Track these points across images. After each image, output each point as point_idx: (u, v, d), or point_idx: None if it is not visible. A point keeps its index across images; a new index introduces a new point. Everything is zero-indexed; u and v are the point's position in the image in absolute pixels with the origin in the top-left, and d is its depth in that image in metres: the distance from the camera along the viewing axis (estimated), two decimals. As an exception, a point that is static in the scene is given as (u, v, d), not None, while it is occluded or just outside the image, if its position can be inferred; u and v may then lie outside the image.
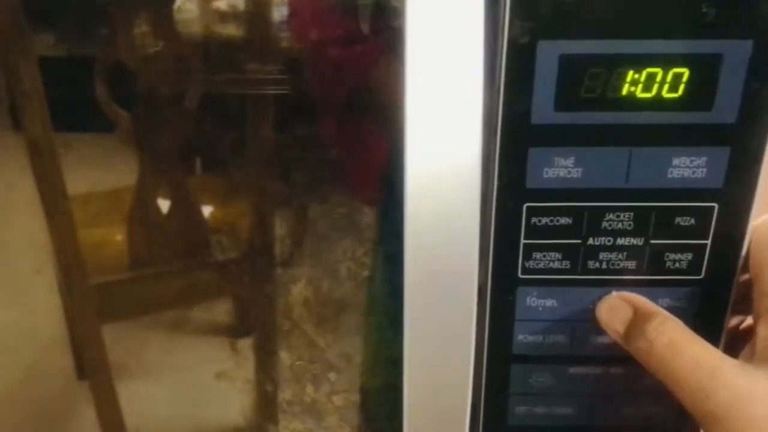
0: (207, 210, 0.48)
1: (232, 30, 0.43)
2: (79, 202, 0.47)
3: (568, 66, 0.36)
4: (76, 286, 0.51)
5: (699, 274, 0.41)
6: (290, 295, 0.47)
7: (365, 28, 0.39)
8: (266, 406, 0.52)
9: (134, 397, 0.53)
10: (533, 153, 0.38)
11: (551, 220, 0.40)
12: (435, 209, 0.38)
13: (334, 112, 0.44)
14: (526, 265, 0.41)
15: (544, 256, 0.40)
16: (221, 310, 0.51)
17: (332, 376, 0.48)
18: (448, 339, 0.40)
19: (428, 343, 0.40)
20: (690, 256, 0.40)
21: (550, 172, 0.38)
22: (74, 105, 0.44)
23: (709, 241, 0.40)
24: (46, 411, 0.56)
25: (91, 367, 0.54)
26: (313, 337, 0.48)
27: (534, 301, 0.42)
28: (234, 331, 0.52)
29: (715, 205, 0.39)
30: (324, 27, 0.40)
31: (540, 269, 0.41)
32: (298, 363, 0.48)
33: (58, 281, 0.51)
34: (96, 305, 0.52)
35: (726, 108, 0.37)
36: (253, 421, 0.53)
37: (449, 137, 0.36)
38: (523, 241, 0.40)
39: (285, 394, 0.50)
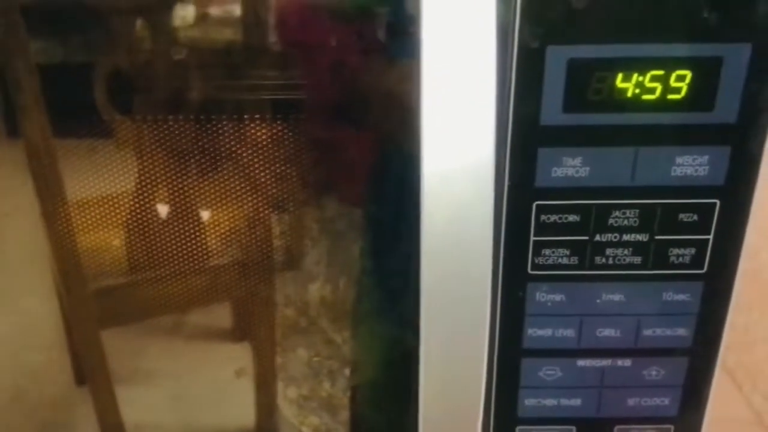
0: (205, 214, 0.48)
1: (237, 36, 0.43)
2: (78, 207, 0.47)
3: (576, 69, 0.37)
4: (74, 292, 0.51)
5: (702, 269, 0.42)
6: (307, 293, 0.48)
7: (381, 35, 0.40)
8: (266, 410, 0.53)
9: (134, 403, 0.53)
10: (542, 153, 0.39)
11: (560, 218, 0.41)
12: (449, 209, 0.39)
13: (341, 116, 0.45)
14: (536, 261, 0.42)
15: (553, 252, 0.42)
16: (220, 315, 0.52)
17: (348, 371, 0.49)
18: (462, 334, 0.41)
19: (443, 338, 0.41)
20: (693, 251, 0.42)
21: (558, 172, 0.40)
22: (73, 111, 0.44)
23: (711, 237, 0.41)
24: (46, 417, 0.55)
25: (90, 372, 0.53)
26: (330, 334, 0.49)
27: (543, 296, 0.43)
28: (232, 336, 0.52)
29: (717, 201, 0.40)
30: (341, 34, 0.41)
31: (549, 265, 0.42)
32: (315, 359, 0.49)
33: (56, 287, 0.51)
34: (95, 310, 0.52)
35: (727, 109, 0.38)
36: (254, 426, 0.53)
37: (463, 139, 0.38)
38: (532, 238, 0.41)
39: (302, 390, 0.51)
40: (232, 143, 0.44)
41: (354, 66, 0.41)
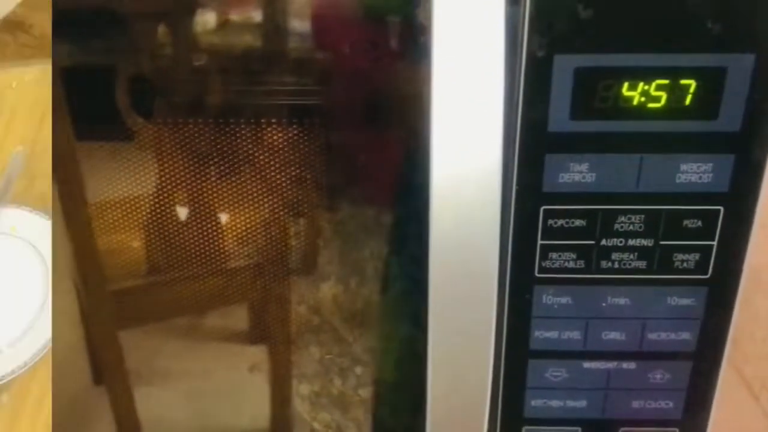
0: (224, 217, 0.48)
1: (257, 42, 0.43)
2: (99, 209, 0.48)
3: (583, 78, 0.38)
4: (94, 292, 0.51)
5: (706, 274, 0.43)
6: (320, 292, 0.49)
7: (394, 42, 0.41)
8: (281, 409, 0.53)
9: (151, 402, 0.54)
10: (550, 159, 0.40)
11: (567, 222, 0.42)
12: (458, 213, 0.40)
13: (355, 121, 0.45)
14: (543, 264, 0.43)
15: (560, 256, 0.43)
16: (236, 315, 0.52)
17: (358, 369, 0.50)
18: (469, 335, 0.42)
19: (451, 339, 0.42)
20: (697, 256, 0.42)
21: (565, 177, 0.41)
22: (95, 114, 0.45)
23: (715, 242, 0.42)
24: (64, 415, 0.55)
25: (108, 372, 0.54)
26: (341, 332, 0.50)
27: (550, 299, 0.44)
28: (248, 337, 0.52)
29: (721, 208, 0.41)
30: (354, 41, 0.42)
31: (556, 269, 0.43)
32: (327, 357, 0.50)
33: (75, 286, 0.51)
34: (113, 311, 0.52)
35: (730, 117, 0.39)
36: (268, 423, 0.54)
37: (472, 144, 0.39)
38: (540, 242, 0.42)
39: (314, 387, 0.52)
40: (251, 147, 0.45)
41: (367, 73, 0.42)
